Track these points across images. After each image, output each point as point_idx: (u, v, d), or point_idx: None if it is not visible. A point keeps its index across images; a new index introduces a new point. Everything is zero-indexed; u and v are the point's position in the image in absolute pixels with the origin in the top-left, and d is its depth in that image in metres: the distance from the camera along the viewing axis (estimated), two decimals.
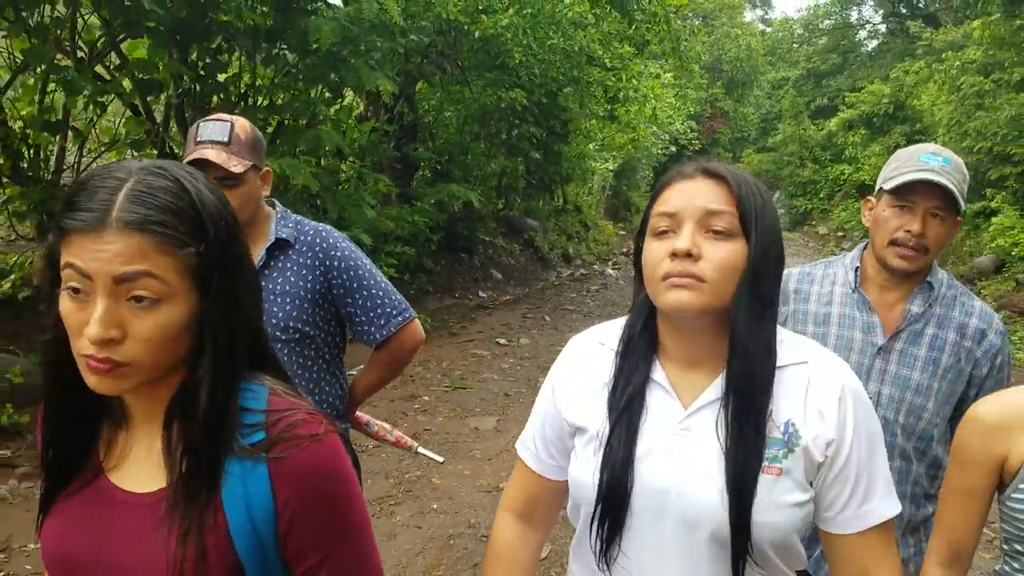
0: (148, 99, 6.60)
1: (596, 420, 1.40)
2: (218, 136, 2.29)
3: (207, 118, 2.30)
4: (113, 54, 6.43)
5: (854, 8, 33.20)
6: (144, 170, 1.08)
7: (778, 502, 1.28)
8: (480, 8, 7.49)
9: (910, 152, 2.12)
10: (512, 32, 7.61)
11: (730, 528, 1.27)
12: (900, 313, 2.16)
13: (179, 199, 1.08)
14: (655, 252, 1.30)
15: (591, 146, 15.26)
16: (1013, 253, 13.11)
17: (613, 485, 1.33)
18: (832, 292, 2.26)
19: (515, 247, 12.44)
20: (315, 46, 6.55)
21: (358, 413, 2.66)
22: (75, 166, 6.18)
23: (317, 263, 2.44)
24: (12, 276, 5.52)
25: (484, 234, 11.45)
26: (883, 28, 32.92)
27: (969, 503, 1.69)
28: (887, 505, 1.35)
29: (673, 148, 21.55)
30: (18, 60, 5.76)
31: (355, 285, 2.45)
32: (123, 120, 6.17)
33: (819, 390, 1.34)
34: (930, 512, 2.17)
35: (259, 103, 7.18)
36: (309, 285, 2.41)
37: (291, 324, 2.37)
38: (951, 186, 1.98)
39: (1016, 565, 1.64)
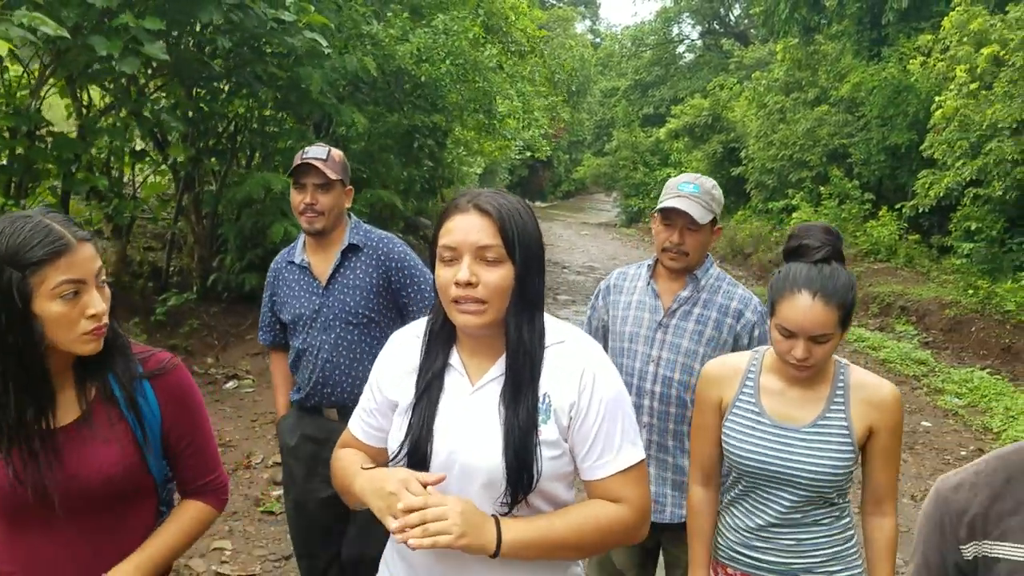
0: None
1: (407, 397, 1.76)
2: (319, 154, 2.95)
3: (313, 144, 3.07)
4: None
5: (674, 24, 37.07)
6: (49, 213, 1.68)
7: (541, 455, 1.66)
8: (424, 59, 9.92)
9: (674, 182, 2.82)
10: (449, 78, 10.08)
11: (508, 477, 1.63)
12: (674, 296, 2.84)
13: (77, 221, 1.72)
14: (443, 277, 1.66)
15: (460, 151, 17.73)
16: None
17: (414, 450, 1.69)
18: (636, 285, 2.94)
19: (418, 242, 14.79)
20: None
21: None
22: (132, 182, 8.15)
23: (379, 263, 3.03)
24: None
25: (396, 232, 13.78)
26: (700, 43, 37.05)
27: (706, 436, 2.32)
28: (626, 456, 1.71)
29: (528, 153, 24.26)
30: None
31: (408, 281, 3.03)
32: (172, 147, 8.13)
33: (568, 364, 1.71)
34: None
35: (257, 129, 9.25)
36: (372, 280, 3.00)
37: (359, 311, 2.99)
38: (691, 210, 2.67)
39: (729, 480, 2.35)
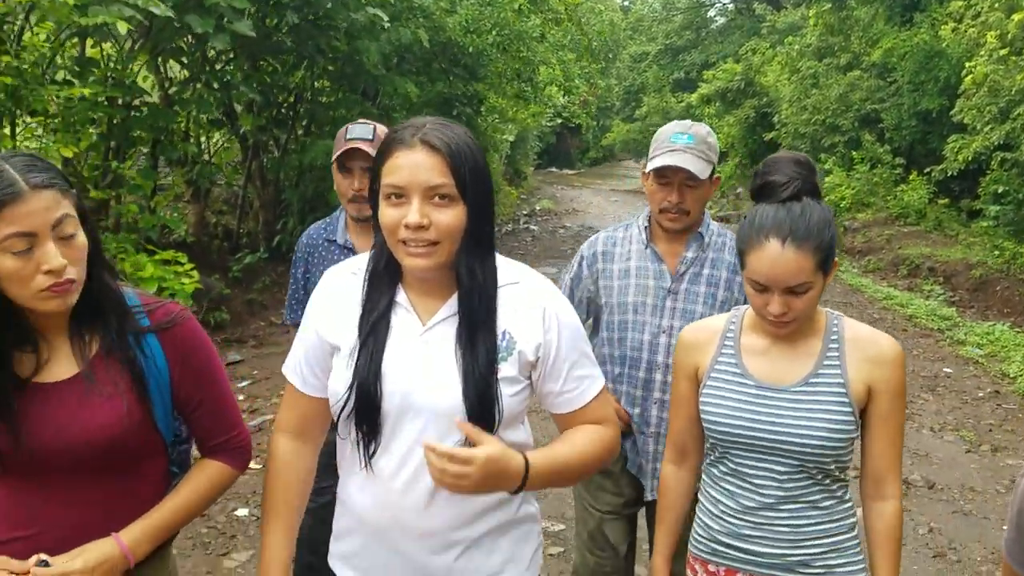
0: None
1: (349, 339, 1.70)
2: (365, 135, 2.81)
3: (355, 122, 2.92)
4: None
5: None
6: (13, 156, 1.56)
7: (501, 394, 1.64)
8: (471, 30, 10.69)
9: (665, 133, 2.58)
10: (495, 48, 10.84)
11: (469, 417, 1.60)
12: (679, 258, 2.64)
13: (49, 165, 1.60)
14: (390, 217, 1.58)
15: (494, 118, 18.43)
16: (840, 205, 16.64)
17: (364, 393, 1.64)
18: (630, 250, 2.70)
19: None
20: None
21: None
22: (208, 150, 8.98)
23: None
24: (184, 226, 8.30)
25: None
26: (731, 7, 37.28)
27: (683, 409, 2.13)
28: (599, 378, 1.77)
29: (558, 120, 24.86)
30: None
31: None
32: (242, 117, 8.94)
33: (527, 304, 1.70)
34: None
35: (311, 98, 10.03)
36: None
37: None
38: (690, 165, 2.47)
39: (711, 457, 2.11)
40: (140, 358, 1.72)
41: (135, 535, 1.71)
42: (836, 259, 1.91)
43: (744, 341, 2.04)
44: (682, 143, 2.52)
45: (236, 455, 1.90)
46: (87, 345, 1.69)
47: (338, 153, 2.82)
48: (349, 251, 2.96)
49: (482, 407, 1.62)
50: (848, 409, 1.91)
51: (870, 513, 2.00)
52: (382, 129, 2.82)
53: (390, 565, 1.73)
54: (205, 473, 1.85)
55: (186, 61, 8.25)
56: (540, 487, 1.67)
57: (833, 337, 1.98)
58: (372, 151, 2.71)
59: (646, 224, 2.71)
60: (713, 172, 2.58)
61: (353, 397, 1.65)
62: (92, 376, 1.67)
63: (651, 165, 2.57)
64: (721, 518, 2.04)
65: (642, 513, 2.96)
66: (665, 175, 2.55)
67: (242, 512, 4.58)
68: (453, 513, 1.69)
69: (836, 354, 1.96)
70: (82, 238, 1.60)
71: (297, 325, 2.95)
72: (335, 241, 3.00)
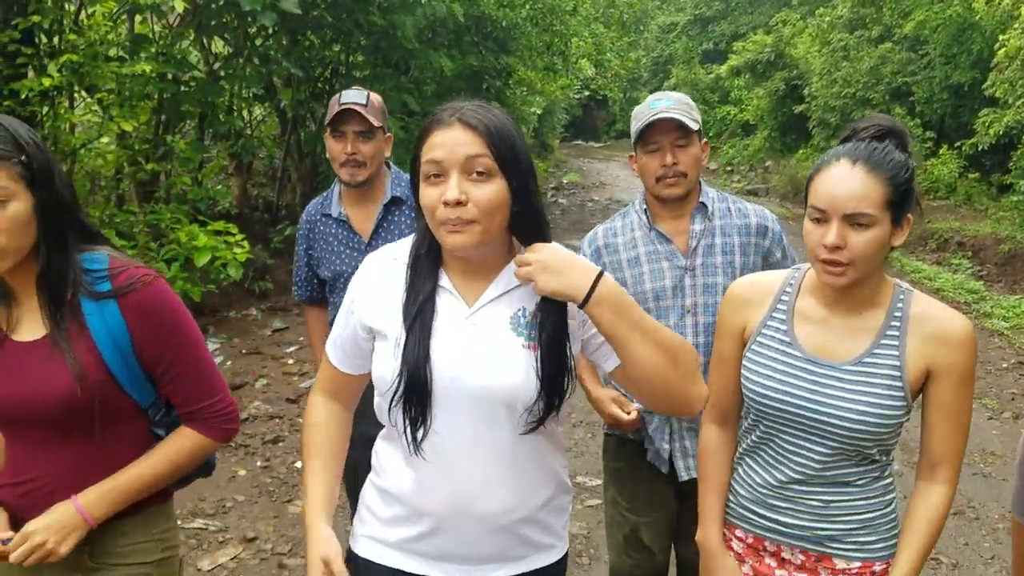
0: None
1: (394, 325, 1.69)
2: (359, 99, 2.83)
3: (349, 88, 2.94)
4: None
5: None
6: None
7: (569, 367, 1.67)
8: (504, 3, 10.96)
9: (642, 106, 2.57)
10: (530, 22, 11.11)
11: (540, 394, 1.63)
12: (688, 234, 2.59)
13: None
14: (430, 197, 1.59)
15: (522, 91, 18.66)
16: None
17: (414, 378, 1.63)
18: (635, 237, 2.63)
19: None
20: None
21: None
22: (250, 123, 9.32)
23: None
24: (229, 198, 8.67)
25: None
26: None
27: (726, 369, 2.03)
28: None
29: (585, 92, 24.96)
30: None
31: None
32: (281, 91, 9.26)
33: None
34: None
35: (346, 74, 10.33)
36: None
37: None
38: (676, 116, 2.43)
39: (746, 424, 2.05)
40: (94, 323, 1.74)
41: (91, 498, 1.78)
42: (911, 217, 1.79)
43: (799, 305, 1.93)
44: (662, 105, 2.50)
45: (212, 424, 1.90)
46: (52, 309, 1.74)
47: (331, 116, 2.85)
48: (343, 223, 2.99)
49: (560, 382, 1.65)
50: (900, 395, 1.82)
51: (917, 492, 1.91)
52: (375, 96, 2.91)
53: (447, 548, 1.75)
54: (177, 442, 1.88)
55: (228, 37, 8.58)
56: (609, 311, 1.57)
57: (897, 313, 1.85)
58: (367, 115, 2.79)
59: (644, 207, 2.66)
60: (701, 136, 2.56)
61: (403, 382, 1.64)
62: (57, 338, 1.73)
63: (635, 131, 2.54)
64: (751, 486, 2.00)
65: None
66: (653, 139, 2.51)
67: (301, 464, 4.92)
68: (512, 493, 1.72)
69: (897, 332, 1.83)
70: (15, 207, 1.64)
71: (306, 302, 3.23)
72: (330, 215, 3.02)
